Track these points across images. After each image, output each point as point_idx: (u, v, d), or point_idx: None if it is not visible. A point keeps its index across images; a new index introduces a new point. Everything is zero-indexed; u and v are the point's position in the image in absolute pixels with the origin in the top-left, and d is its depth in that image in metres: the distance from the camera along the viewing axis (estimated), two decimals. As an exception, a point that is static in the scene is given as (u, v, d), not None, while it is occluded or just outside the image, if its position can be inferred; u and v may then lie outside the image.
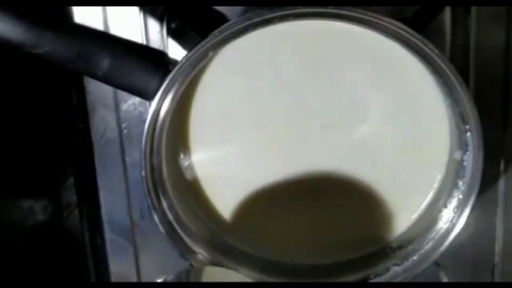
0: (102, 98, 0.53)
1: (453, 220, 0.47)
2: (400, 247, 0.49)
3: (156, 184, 0.45)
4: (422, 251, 0.48)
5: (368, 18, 0.41)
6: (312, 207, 0.50)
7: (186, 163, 0.49)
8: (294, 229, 0.50)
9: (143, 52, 0.44)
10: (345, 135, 0.48)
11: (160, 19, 0.52)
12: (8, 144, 0.62)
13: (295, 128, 0.48)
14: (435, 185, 0.49)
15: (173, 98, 0.43)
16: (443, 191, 0.48)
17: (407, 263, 0.48)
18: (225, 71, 0.46)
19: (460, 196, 0.46)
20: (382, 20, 0.42)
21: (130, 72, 0.43)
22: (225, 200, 0.50)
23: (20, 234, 0.66)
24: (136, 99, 0.53)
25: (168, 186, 0.47)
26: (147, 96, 0.43)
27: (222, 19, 0.49)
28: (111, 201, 0.55)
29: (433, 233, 0.48)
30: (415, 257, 0.48)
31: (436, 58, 0.42)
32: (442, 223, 0.48)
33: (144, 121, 0.44)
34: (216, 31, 0.42)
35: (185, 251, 0.47)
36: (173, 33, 0.52)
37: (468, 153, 0.45)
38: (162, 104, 0.43)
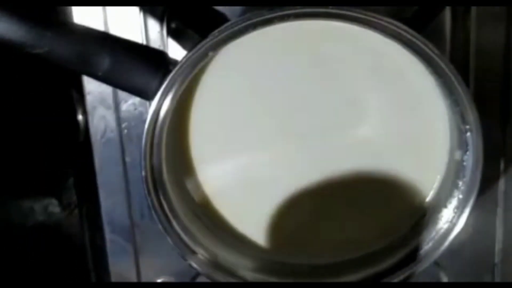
0: (102, 98, 0.53)
1: (453, 220, 0.47)
2: (400, 247, 0.49)
3: (156, 184, 0.45)
4: (422, 251, 0.48)
5: (368, 18, 0.41)
6: (312, 207, 0.50)
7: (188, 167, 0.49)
8: (294, 229, 0.50)
9: (143, 52, 0.44)
10: (345, 135, 0.48)
11: (160, 19, 0.52)
12: (8, 144, 0.62)
13: (295, 128, 0.48)
14: (435, 185, 0.49)
15: (173, 98, 0.43)
16: (443, 191, 0.48)
17: (407, 263, 0.48)
18: (225, 71, 0.46)
19: (460, 196, 0.46)
20: (382, 20, 0.41)
21: (130, 72, 0.43)
22: (225, 199, 0.50)
23: (20, 234, 0.66)
24: (136, 99, 0.53)
25: (168, 186, 0.47)
26: (147, 96, 0.43)
27: (222, 19, 0.49)
28: (111, 201, 0.55)
29: (433, 233, 0.48)
30: (415, 257, 0.48)
31: (436, 58, 0.42)
32: (442, 223, 0.48)
33: (144, 121, 0.44)
34: (216, 31, 0.42)
35: (185, 251, 0.47)
36: (173, 33, 0.52)
37: (468, 153, 0.45)
38: (162, 104, 0.43)
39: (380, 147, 0.48)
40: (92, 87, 0.53)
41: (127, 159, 0.54)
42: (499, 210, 0.55)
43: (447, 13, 0.51)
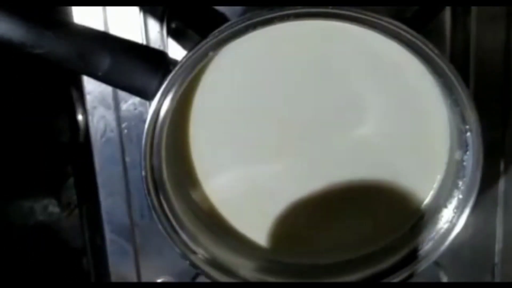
0: (102, 98, 0.53)
1: (453, 220, 0.47)
2: (400, 247, 0.49)
3: (156, 184, 0.45)
4: (422, 251, 0.48)
5: (368, 18, 0.41)
6: (312, 208, 0.50)
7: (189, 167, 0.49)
8: (294, 229, 0.50)
9: (143, 52, 0.44)
10: (345, 135, 0.48)
11: (160, 19, 0.52)
12: (8, 144, 0.62)
13: (295, 128, 0.48)
14: (435, 185, 0.49)
15: (173, 98, 0.43)
16: (443, 191, 0.48)
17: (407, 263, 0.48)
18: (225, 71, 0.46)
19: (460, 196, 0.46)
20: (382, 20, 0.41)
21: (130, 72, 0.43)
22: (225, 200, 0.50)
23: (20, 234, 0.66)
24: (136, 99, 0.53)
25: (168, 186, 0.47)
26: (147, 96, 0.43)
27: (222, 19, 0.49)
28: (111, 201, 0.55)
29: (433, 233, 0.48)
30: (415, 257, 0.48)
31: (436, 58, 0.42)
32: (442, 223, 0.48)
33: (144, 121, 0.44)
34: (216, 31, 0.42)
35: (185, 251, 0.47)
36: (173, 33, 0.52)
37: (468, 153, 0.45)
38: (162, 104, 0.43)
39: (380, 147, 0.48)
40: (92, 87, 0.53)
41: (127, 159, 0.54)
42: (499, 210, 0.55)
43: (447, 13, 0.51)
